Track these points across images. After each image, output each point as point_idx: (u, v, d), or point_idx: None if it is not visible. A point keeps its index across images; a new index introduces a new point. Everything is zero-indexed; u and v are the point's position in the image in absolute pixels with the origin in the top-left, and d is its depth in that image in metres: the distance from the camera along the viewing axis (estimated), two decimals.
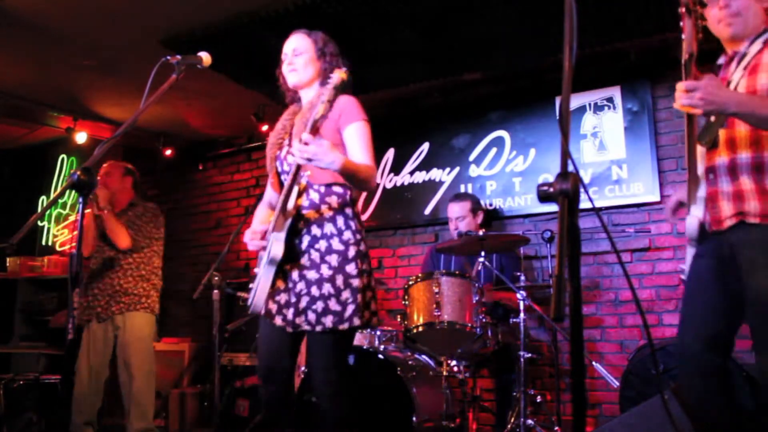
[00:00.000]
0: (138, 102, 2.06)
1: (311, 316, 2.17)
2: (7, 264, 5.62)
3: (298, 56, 2.35)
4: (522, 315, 3.21)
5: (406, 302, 3.24)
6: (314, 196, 2.27)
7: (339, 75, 2.04)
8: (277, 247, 2.16)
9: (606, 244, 4.04)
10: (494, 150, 4.56)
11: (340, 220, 2.26)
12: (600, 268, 4.09)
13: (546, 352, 4.12)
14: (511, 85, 4.55)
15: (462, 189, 4.58)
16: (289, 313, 2.21)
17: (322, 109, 2.02)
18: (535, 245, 4.20)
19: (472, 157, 4.64)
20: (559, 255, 1.08)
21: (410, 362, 3.17)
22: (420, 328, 3.12)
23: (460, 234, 3.81)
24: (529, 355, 3.20)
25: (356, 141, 2.26)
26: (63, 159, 6.25)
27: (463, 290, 3.14)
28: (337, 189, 2.29)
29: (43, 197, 6.31)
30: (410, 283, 3.27)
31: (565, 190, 1.10)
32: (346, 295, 2.18)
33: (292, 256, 2.21)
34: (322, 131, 2.16)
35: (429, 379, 3.14)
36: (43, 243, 6.26)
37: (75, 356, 3.57)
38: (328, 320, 2.15)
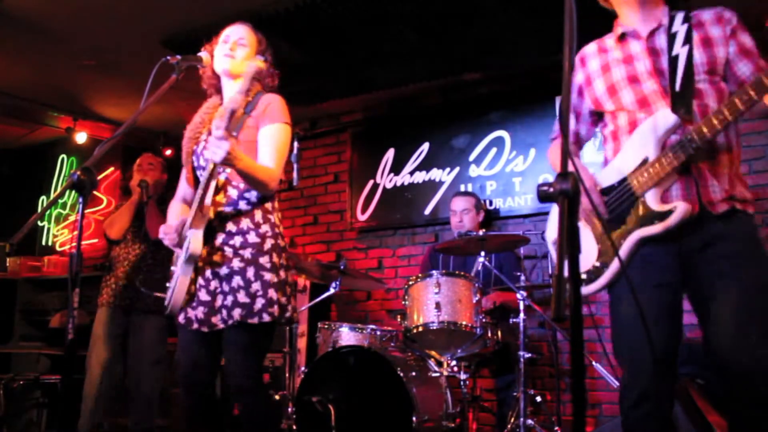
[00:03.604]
0: (138, 102, 2.05)
1: (224, 313, 2.16)
2: (7, 264, 5.62)
3: (241, 47, 2.32)
4: (522, 315, 3.21)
5: (406, 302, 3.24)
6: (233, 193, 2.25)
7: (255, 63, 2.03)
8: (195, 244, 2.14)
9: None
10: (494, 150, 4.56)
11: (258, 214, 2.24)
12: None
13: (546, 352, 4.12)
14: (511, 85, 4.55)
15: (462, 189, 4.57)
16: (200, 313, 2.19)
17: (240, 100, 2.01)
18: (535, 245, 4.20)
19: (472, 157, 4.63)
20: (559, 255, 1.08)
21: (410, 362, 3.17)
22: (420, 328, 3.12)
23: (460, 234, 3.81)
24: (529, 355, 3.20)
25: (268, 142, 2.22)
26: (63, 159, 6.25)
27: (463, 290, 3.14)
28: None
29: (43, 197, 6.31)
30: (410, 283, 3.27)
31: (565, 190, 1.10)
32: (255, 287, 2.15)
33: (207, 253, 2.20)
34: (244, 128, 2.19)
35: (429, 379, 3.14)
36: (43, 243, 6.26)
37: (75, 356, 3.55)
38: (236, 313, 2.13)
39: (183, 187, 2.46)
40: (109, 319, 3.59)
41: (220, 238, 2.21)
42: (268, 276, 2.18)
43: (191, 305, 2.22)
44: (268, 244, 2.22)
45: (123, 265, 3.63)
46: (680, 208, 1.73)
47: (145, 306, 3.59)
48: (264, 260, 2.19)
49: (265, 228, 2.24)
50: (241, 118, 2.20)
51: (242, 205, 2.24)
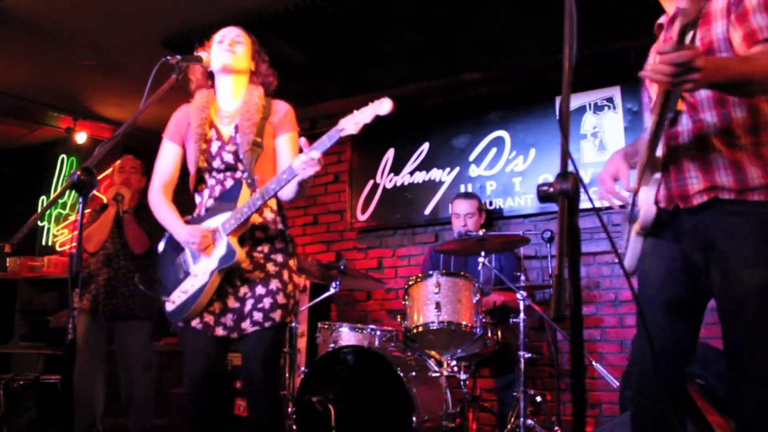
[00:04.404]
0: (138, 102, 2.05)
1: (257, 316, 2.17)
2: (7, 264, 5.62)
3: (239, 44, 2.33)
4: (522, 315, 3.21)
5: (406, 302, 3.24)
6: None
7: (389, 105, 1.98)
8: (242, 255, 2.16)
9: (606, 244, 4.04)
10: (494, 150, 4.56)
11: (279, 220, 2.31)
12: (600, 268, 4.08)
13: (546, 352, 4.12)
14: (511, 85, 4.55)
15: (462, 189, 4.57)
16: (229, 320, 2.19)
17: (354, 130, 2.00)
18: (535, 245, 4.20)
19: (472, 157, 4.63)
20: (559, 255, 1.08)
21: (410, 362, 3.17)
22: (420, 328, 3.12)
23: (460, 234, 3.81)
24: (529, 355, 3.20)
25: (292, 151, 2.30)
26: (63, 159, 6.24)
27: (463, 290, 3.14)
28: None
29: (43, 197, 6.31)
30: (410, 283, 3.27)
31: (565, 190, 1.10)
32: (290, 288, 2.25)
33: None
34: (265, 135, 2.24)
35: (429, 379, 3.14)
36: (43, 243, 6.26)
37: (75, 356, 3.56)
38: (277, 314, 2.17)
39: (167, 176, 2.35)
40: (91, 325, 3.58)
41: (248, 245, 2.23)
42: (296, 278, 2.29)
43: (211, 311, 2.21)
44: (291, 248, 2.31)
45: (102, 273, 3.63)
46: (642, 211, 1.73)
47: (128, 312, 3.59)
48: (293, 263, 2.29)
49: (287, 233, 2.32)
50: (260, 123, 2.25)
51: (267, 213, 2.28)
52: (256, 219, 2.24)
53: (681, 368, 1.79)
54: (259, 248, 2.24)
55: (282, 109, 2.35)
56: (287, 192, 2.19)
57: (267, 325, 2.16)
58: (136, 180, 3.78)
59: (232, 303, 2.20)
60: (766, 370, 1.58)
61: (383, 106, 1.98)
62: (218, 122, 2.32)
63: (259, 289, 2.19)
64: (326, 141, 2.00)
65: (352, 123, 1.99)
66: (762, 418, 1.59)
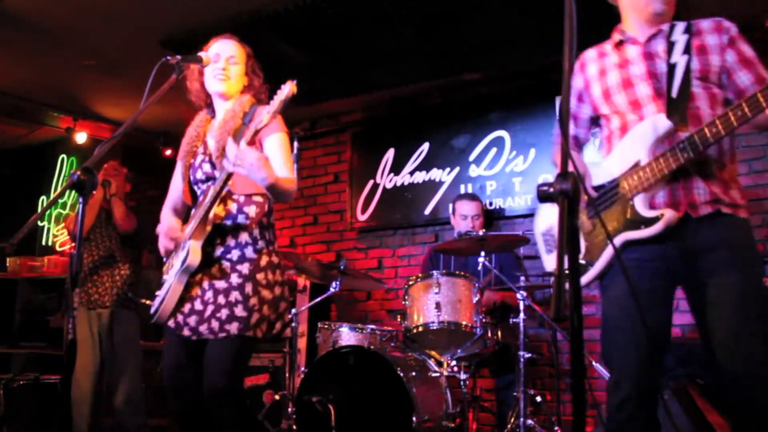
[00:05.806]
0: (138, 102, 2.05)
1: (214, 324, 2.13)
2: (7, 264, 5.62)
3: (234, 65, 2.28)
4: (522, 315, 3.21)
5: (406, 302, 3.24)
6: (232, 206, 2.24)
7: (290, 88, 1.94)
8: (194, 255, 2.14)
9: None
10: (494, 150, 4.56)
11: (256, 230, 2.24)
12: None
13: (546, 352, 4.12)
14: (511, 85, 4.55)
15: (462, 189, 4.57)
16: (192, 321, 2.18)
17: (267, 120, 1.96)
18: (535, 245, 4.19)
19: (472, 157, 4.63)
20: (559, 255, 1.08)
21: (410, 362, 3.17)
22: (420, 328, 3.12)
23: (459, 234, 3.81)
24: (529, 355, 3.19)
25: (278, 153, 2.21)
26: (63, 159, 6.25)
27: (463, 290, 3.14)
28: (257, 199, 2.25)
29: (43, 197, 6.31)
30: (410, 283, 3.27)
31: (565, 190, 1.10)
32: (253, 302, 2.15)
33: (203, 264, 2.19)
34: (244, 140, 2.12)
35: (429, 379, 3.14)
36: (43, 243, 6.26)
37: (75, 356, 3.57)
38: (233, 327, 2.11)
39: (174, 196, 2.46)
40: (82, 321, 3.63)
41: (218, 251, 2.21)
42: (264, 292, 2.19)
43: (182, 311, 2.21)
44: (264, 260, 2.22)
45: (88, 264, 3.67)
46: (667, 215, 1.74)
47: (113, 301, 3.65)
48: (260, 276, 2.20)
49: (261, 244, 2.24)
50: (240, 129, 2.19)
51: (241, 219, 2.24)
52: (228, 224, 2.22)
53: (659, 372, 1.84)
54: (229, 255, 2.20)
55: (263, 112, 2.20)
56: (272, 194, 2.18)
57: (221, 336, 2.12)
58: (119, 183, 3.81)
59: (197, 306, 2.19)
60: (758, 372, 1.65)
61: (284, 90, 1.94)
62: (208, 137, 2.34)
63: (220, 298, 2.16)
64: (249, 133, 2.01)
65: (266, 113, 1.97)
66: (756, 419, 1.64)
